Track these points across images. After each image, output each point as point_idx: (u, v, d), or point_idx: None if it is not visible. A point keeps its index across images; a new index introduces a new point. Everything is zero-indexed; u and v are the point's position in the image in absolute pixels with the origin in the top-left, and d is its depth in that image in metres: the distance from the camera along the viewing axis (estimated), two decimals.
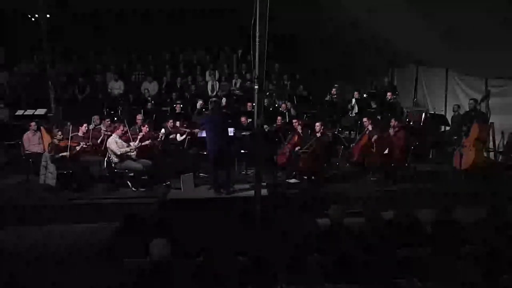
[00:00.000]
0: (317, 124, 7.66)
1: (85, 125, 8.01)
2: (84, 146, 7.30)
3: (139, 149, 7.28)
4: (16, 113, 8.96)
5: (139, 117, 8.45)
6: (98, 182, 7.34)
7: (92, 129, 8.29)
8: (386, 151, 7.48)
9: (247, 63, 12.38)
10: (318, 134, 7.56)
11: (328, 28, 11.16)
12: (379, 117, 9.48)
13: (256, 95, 5.44)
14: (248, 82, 11.67)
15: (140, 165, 7.08)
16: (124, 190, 7.14)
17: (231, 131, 7.25)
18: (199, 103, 9.90)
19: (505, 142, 8.19)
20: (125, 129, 7.28)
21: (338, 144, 8.30)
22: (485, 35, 6.97)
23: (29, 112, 8.89)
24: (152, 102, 10.54)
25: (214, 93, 11.54)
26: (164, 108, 10.37)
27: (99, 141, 7.78)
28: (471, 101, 8.41)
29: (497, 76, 8.37)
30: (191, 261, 3.81)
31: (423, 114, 9.32)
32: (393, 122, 7.94)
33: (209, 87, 11.77)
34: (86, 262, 5.04)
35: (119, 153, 6.97)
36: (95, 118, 8.65)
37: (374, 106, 10.13)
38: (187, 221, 5.88)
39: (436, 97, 10.17)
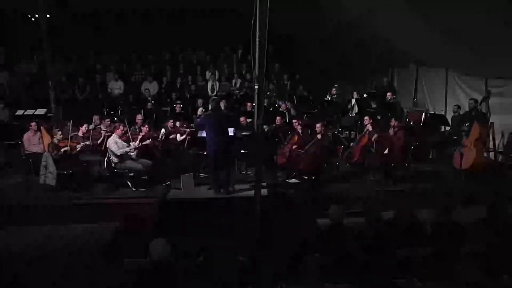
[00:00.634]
0: (318, 125, 7.63)
1: (85, 125, 8.00)
2: (84, 146, 7.29)
3: (139, 149, 7.28)
4: (16, 113, 8.94)
5: (139, 117, 8.45)
6: (98, 182, 7.34)
7: (92, 129, 8.28)
8: (386, 151, 7.48)
9: (247, 63, 12.38)
10: (319, 136, 7.54)
11: (328, 28, 11.16)
12: (379, 117, 9.48)
13: (256, 95, 5.44)
14: (247, 83, 11.68)
15: (140, 165, 7.08)
16: (124, 190, 7.13)
17: (231, 131, 7.25)
18: (199, 101, 9.90)
19: (505, 142, 8.19)
20: (125, 129, 7.28)
21: (338, 144, 8.30)
22: (485, 35, 6.97)
23: (29, 112, 8.88)
24: (152, 102, 10.53)
25: (214, 93, 11.54)
26: (164, 108, 10.35)
27: (99, 141, 7.78)
28: (471, 101, 8.40)
29: (497, 76, 8.37)
30: (191, 261, 3.81)
31: (423, 114, 9.31)
32: (393, 122, 7.93)
33: (209, 87, 11.77)
34: (86, 262, 5.04)
35: (118, 153, 6.97)
36: (95, 118, 8.64)
37: (374, 106, 10.13)
38: (187, 221, 5.89)
39: (436, 97, 10.16)
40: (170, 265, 3.35)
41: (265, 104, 9.66)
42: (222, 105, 8.67)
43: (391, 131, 7.88)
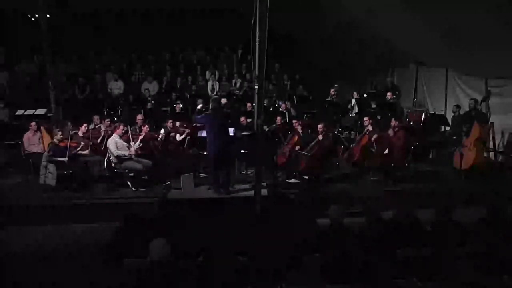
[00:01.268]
0: (320, 126, 7.61)
1: (85, 125, 8.00)
2: (84, 146, 7.30)
3: (139, 149, 7.28)
4: (16, 113, 8.94)
5: (139, 117, 8.44)
6: (98, 182, 7.33)
7: (92, 129, 8.29)
8: (386, 151, 7.48)
9: (247, 63, 12.38)
10: (321, 136, 7.52)
11: (328, 28, 11.16)
12: (379, 117, 9.48)
13: (256, 95, 5.44)
14: (247, 83, 11.68)
15: (140, 165, 7.08)
16: (124, 190, 7.13)
17: (231, 131, 7.25)
18: (199, 101, 9.90)
19: (505, 142, 8.19)
20: (125, 129, 7.28)
21: (338, 144, 8.30)
22: (485, 35, 6.97)
23: (29, 112, 8.88)
24: (152, 102, 10.53)
25: (214, 93, 11.54)
26: (164, 108, 10.35)
27: (99, 141, 7.78)
28: (471, 101, 8.41)
29: (497, 76, 8.37)
30: (191, 261, 3.81)
31: (423, 114, 9.32)
32: (393, 122, 7.93)
33: (209, 87, 11.77)
34: (86, 262, 5.03)
35: (115, 154, 6.98)
36: (95, 118, 8.64)
37: (374, 106, 10.13)
38: (187, 221, 5.88)
39: (436, 97, 10.17)
40: (170, 265, 3.35)
41: (265, 104, 9.67)
42: (222, 105, 8.67)
43: (391, 131, 7.88)
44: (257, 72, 5.33)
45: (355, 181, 7.59)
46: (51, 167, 6.92)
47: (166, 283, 3.28)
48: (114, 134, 7.15)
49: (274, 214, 6.08)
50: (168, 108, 10.29)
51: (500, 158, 8.33)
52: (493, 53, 7.32)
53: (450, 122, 8.84)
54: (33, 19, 11.79)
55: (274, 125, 8.72)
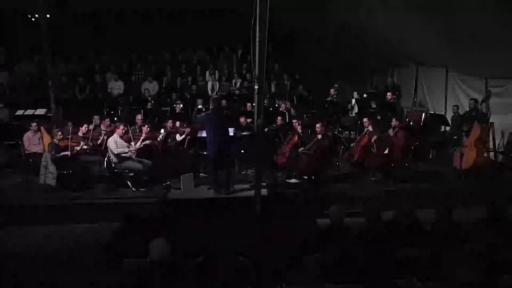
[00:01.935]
0: (318, 125, 7.63)
1: (85, 125, 8.00)
2: (84, 146, 7.30)
3: (139, 149, 7.28)
4: (16, 113, 8.94)
5: (139, 117, 8.45)
6: (98, 182, 7.33)
7: (92, 129, 8.28)
8: (386, 151, 7.48)
9: (247, 63, 12.39)
10: (319, 136, 7.54)
11: (328, 28, 11.16)
12: (379, 117, 9.49)
13: (256, 95, 5.44)
14: (247, 83, 11.69)
15: (140, 165, 7.08)
16: (124, 190, 7.13)
17: (231, 131, 7.25)
18: (199, 101, 9.91)
19: (505, 142, 8.19)
20: (126, 129, 7.28)
21: (338, 144, 8.30)
22: (485, 35, 6.97)
23: (29, 112, 8.87)
24: (152, 102, 10.53)
25: (214, 93, 11.54)
26: (164, 108, 10.36)
27: (99, 141, 7.78)
28: (471, 101, 8.42)
29: (497, 76, 8.37)
30: (191, 261, 3.81)
31: (423, 114, 9.32)
32: (394, 122, 7.93)
33: (209, 87, 11.78)
34: (86, 262, 5.04)
35: (116, 152, 6.97)
36: (95, 118, 8.64)
37: (374, 106, 10.14)
38: (187, 221, 5.89)
39: (436, 97, 10.17)
40: (170, 265, 3.35)
41: (265, 104, 9.67)
42: (222, 105, 8.67)
43: (391, 131, 7.88)
44: (257, 72, 5.33)
45: (355, 181, 7.59)
46: (51, 167, 6.92)
47: (166, 283, 3.28)
48: (114, 134, 7.15)
49: (274, 214, 6.08)
50: (168, 108, 10.29)
51: (500, 158, 8.33)
52: (493, 53, 7.31)
53: (450, 122, 8.84)
54: (33, 19, 11.78)
55: (274, 125, 8.72)
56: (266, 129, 8.03)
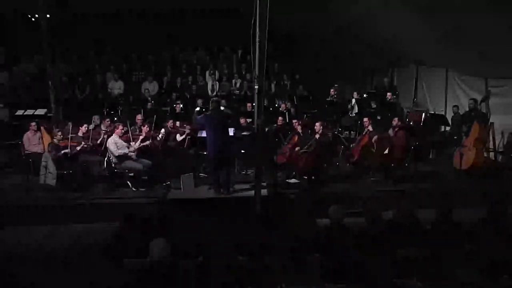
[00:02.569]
0: (317, 124, 7.64)
1: (85, 125, 8.01)
2: (85, 146, 7.30)
3: (139, 149, 7.28)
4: (16, 113, 8.93)
5: (139, 117, 8.45)
6: (98, 182, 7.34)
7: (92, 129, 8.28)
8: (386, 151, 7.48)
9: (247, 63, 12.38)
10: (318, 135, 7.54)
11: (328, 28, 11.15)
12: (379, 117, 9.48)
13: (256, 95, 5.44)
14: (247, 83, 11.68)
15: (140, 165, 7.08)
16: (124, 190, 7.14)
17: (231, 131, 7.25)
18: (199, 101, 9.91)
19: (505, 142, 8.19)
20: (125, 129, 7.28)
21: (338, 144, 8.30)
22: (485, 35, 6.97)
23: (29, 112, 8.86)
24: (152, 102, 10.53)
25: (214, 93, 11.54)
26: (164, 108, 10.36)
27: (99, 141, 7.78)
28: (471, 101, 8.41)
29: (497, 76, 8.37)
30: (191, 261, 3.81)
31: (423, 114, 9.32)
32: (395, 121, 7.92)
33: (209, 87, 11.77)
34: (86, 262, 5.04)
35: (116, 154, 6.98)
36: (95, 118, 8.64)
37: (374, 106, 10.13)
38: (187, 221, 5.88)
39: (436, 97, 10.16)
40: (170, 265, 3.35)
41: (265, 104, 9.67)
42: (222, 105, 8.66)
43: (391, 131, 7.87)
44: (257, 72, 5.33)
45: (355, 181, 7.59)
46: (51, 167, 6.92)
47: (166, 283, 3.28)
48: (114, 134, 7.15)
49: (274, 214, 6.07)
50: (168, 108, 10.29)
51: (500, 158, 8.32)
52: (493, 53, 7.31)
53: (450, 122, 8.84)
54: (33, 19, 11.78)
55: (274, 125, 8.72)
56: (266, 129, 8.02)
